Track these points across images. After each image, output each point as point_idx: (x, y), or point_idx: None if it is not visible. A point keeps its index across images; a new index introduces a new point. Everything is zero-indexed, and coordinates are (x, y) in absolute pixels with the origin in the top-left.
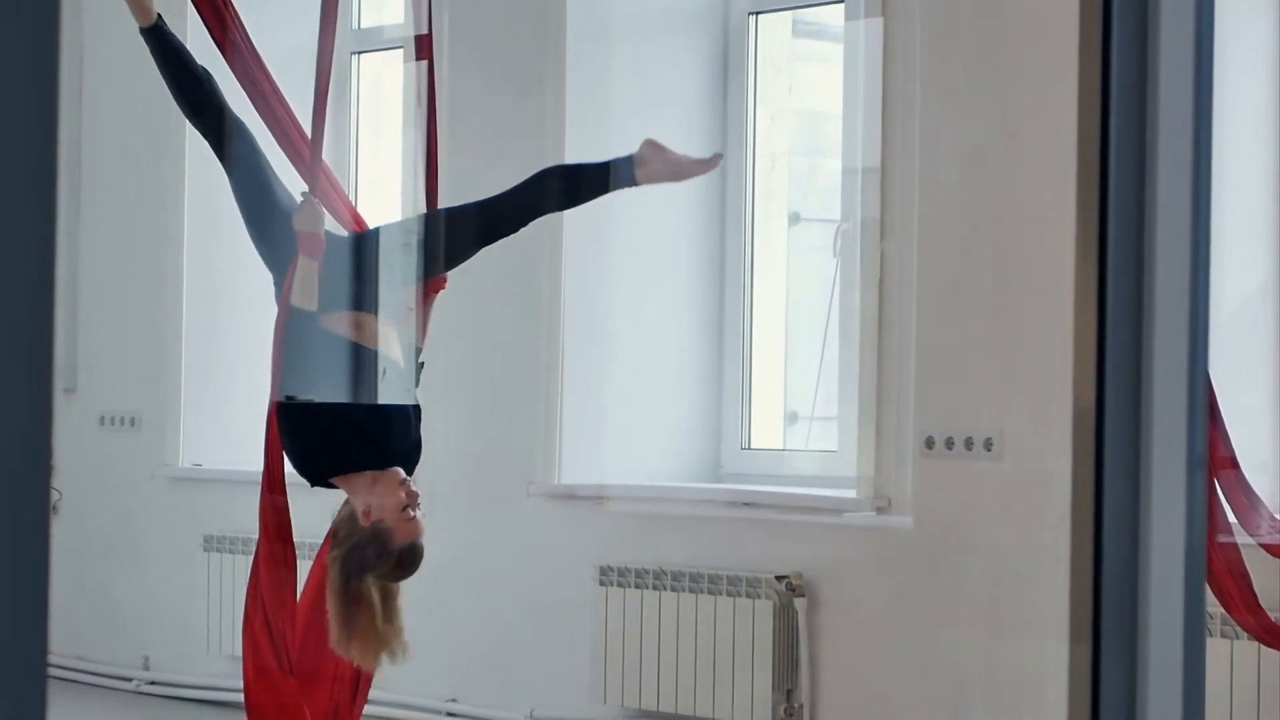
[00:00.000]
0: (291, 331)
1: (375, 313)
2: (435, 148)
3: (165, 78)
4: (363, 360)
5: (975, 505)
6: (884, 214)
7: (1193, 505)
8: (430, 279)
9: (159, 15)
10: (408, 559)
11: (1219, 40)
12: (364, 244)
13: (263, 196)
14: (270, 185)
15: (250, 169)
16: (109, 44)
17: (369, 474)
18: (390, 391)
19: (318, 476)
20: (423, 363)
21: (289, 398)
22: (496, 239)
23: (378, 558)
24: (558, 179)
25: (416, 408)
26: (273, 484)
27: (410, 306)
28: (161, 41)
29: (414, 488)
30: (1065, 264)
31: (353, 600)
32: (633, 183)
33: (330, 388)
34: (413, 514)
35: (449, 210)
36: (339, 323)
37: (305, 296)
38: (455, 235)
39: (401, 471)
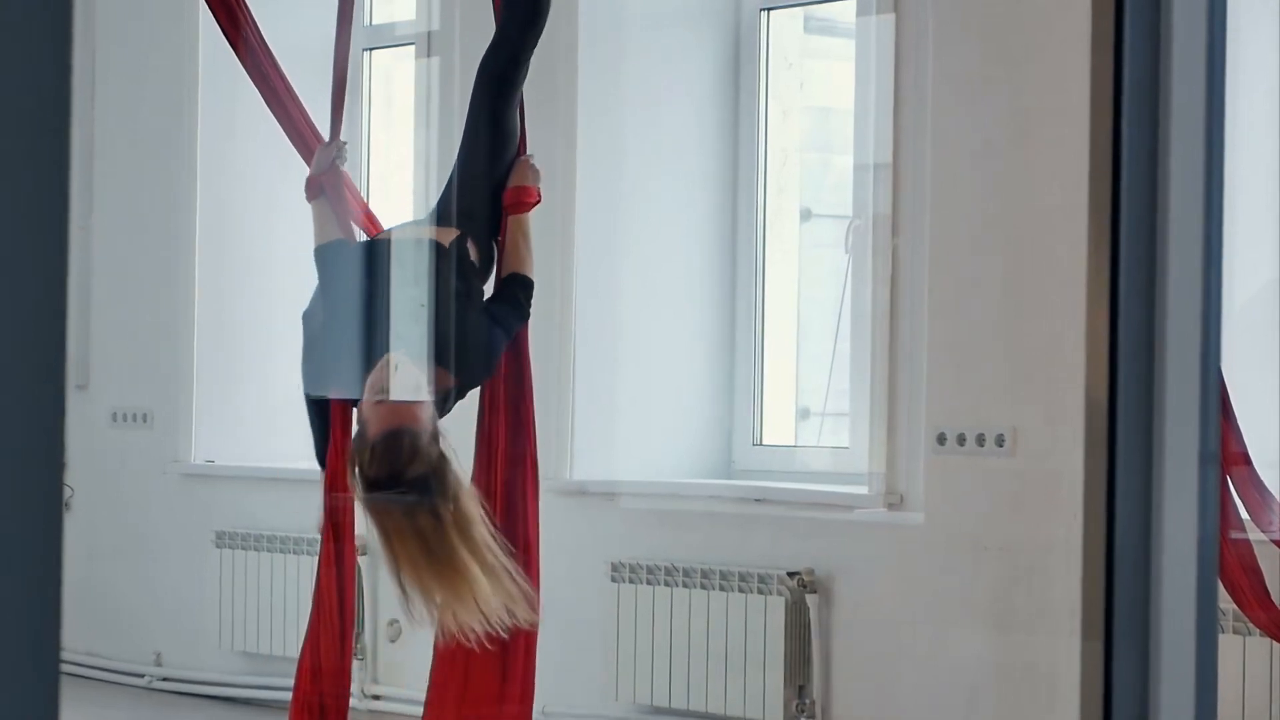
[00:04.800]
0: (323, 265)
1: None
2: None
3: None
4: (377, 246)
5: (987, 501)
6: (896, 210)
7: (1205, 501)
8: (506, 191)
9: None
10: (377, 452)
11: (1231, 36)
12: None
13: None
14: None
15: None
16: (122, 42)
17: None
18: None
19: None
20: (523, 279)
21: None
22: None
23: (358, 454)
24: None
25: (480, 313)
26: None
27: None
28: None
29: (400, 369)
30: (1078, 260)
31: (379, 515)
32: None
33: (346, 287)
34: (381, 399)
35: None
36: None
37: (321, 232)
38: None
39: (394, 355)
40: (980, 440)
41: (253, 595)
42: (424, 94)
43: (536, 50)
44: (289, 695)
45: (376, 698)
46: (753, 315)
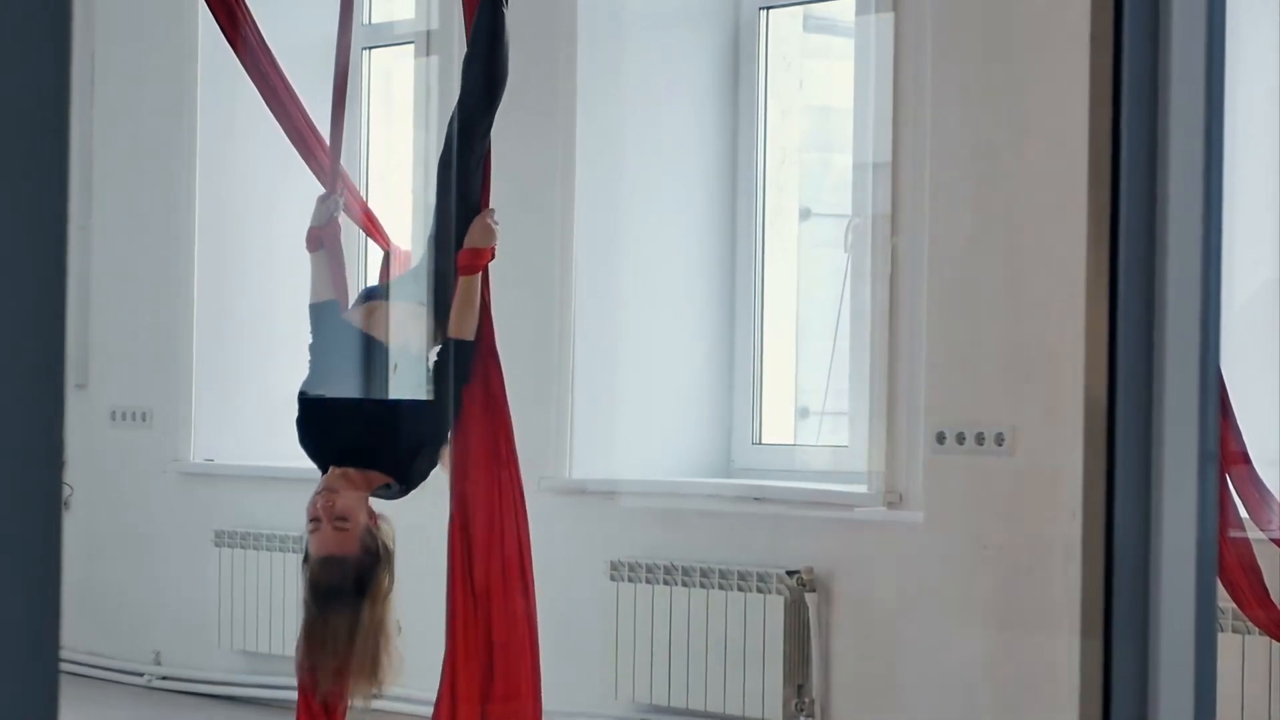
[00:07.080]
0: (315, 327)
1: (388, 299)
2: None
3: None
4: (368, 350)
5: (986, 500)
6: (895, 209)
7: (1204, 500)
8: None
9: None
10: (315, 571)
11: (1231, 36)
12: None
13: None
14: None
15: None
16: (121, 42)
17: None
18: (398, 385)
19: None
20: (460, 344)
21: (304, 387)
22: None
23: (305, 566)
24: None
25: (423, 405)
26: None
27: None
28: None
29: (335, 497)
30: (1077, 259)
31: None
32: None
33: (331, 375)
34: (316, 527)
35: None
36: (354, 315)
37: (316, 290)
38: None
39: (334, 473)
40: (980, 439)
41: (252, 594)
42: (423, 93)
43: (537, 50)
44: (289, 694)
45: (376, 696)
46: (752, 314)
